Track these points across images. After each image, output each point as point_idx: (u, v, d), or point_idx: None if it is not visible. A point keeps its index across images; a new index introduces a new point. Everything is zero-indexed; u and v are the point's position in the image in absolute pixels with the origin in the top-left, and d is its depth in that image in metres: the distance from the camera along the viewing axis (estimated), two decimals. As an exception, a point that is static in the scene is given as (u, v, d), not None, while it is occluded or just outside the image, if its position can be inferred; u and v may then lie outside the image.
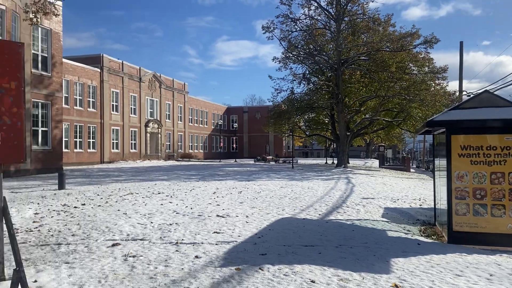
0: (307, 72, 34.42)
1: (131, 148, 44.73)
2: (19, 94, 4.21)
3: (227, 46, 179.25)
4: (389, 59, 29.45)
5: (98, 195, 11.72)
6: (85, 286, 4.00)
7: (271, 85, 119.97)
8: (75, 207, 9.28)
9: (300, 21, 31.88)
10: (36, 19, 10.88)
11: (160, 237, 6.17)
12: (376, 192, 13.56)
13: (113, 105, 41.59)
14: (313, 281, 4.24)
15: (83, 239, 6.05)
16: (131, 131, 44.72)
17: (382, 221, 8.28)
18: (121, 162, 40.03)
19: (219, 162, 47.67)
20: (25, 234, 6.34)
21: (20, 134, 4.19)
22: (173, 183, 16.17)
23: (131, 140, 44.79)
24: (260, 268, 4.63)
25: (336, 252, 5.53)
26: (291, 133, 36.18)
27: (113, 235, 6.32)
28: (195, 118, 60.80)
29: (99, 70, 39.19)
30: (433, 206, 9.03)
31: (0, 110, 4.08)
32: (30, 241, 5.87)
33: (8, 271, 4.13)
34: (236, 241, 5.98)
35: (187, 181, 17.31)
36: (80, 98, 36.73)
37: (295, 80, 33.95)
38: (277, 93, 34.02)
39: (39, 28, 21.41)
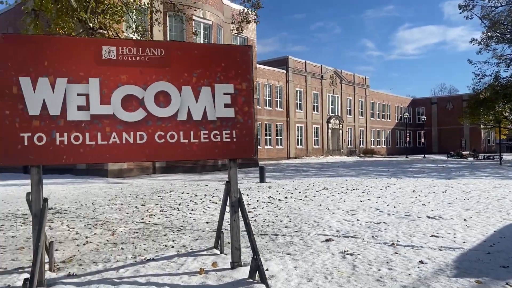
0: (518, 51, 28.85)
1: (314, 144, 46.12)
2: (249, 94, 4.50)
3: (409, 34, 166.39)
4: None
5: (295, 189, 12.26)
6: (314, 280, 4.01)
7: (470, 70, 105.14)
8: (279, 199, 9.86)
9: (508, -8, 27.00)
10: (241, 28, 12.12)
11: (372, 236, 5.88)
12: None
13: (297, 103, 43.67)
14: None
15: (296, 231, 6.26)
16: (314, 127, 46.09)
17: None
18: (306, 158, 41.68)
19: (406, 157, 44.71)
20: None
21: (251, 131, 4.47)
22: (364, 179, 15.76)
23: (314, 137, 46.19)
24: (507, 284, 3.85)
25: None
26: (497, 125, 30.99)
27: (323, 230, 6.35)
28: (377, 112, 58.63)
29: (284, 71, 41.71)
30: None
31: (234, 110, 4.45)
32: (250, 230, 6.39)
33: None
34: (462, 248, 5.21)
35: (377, 177, 16.64)
36: (269, 98, 39.81)
37: (501, 62, 28.93)
38: (479, 79, 29.61)
39: (238, 38, 23.98)
